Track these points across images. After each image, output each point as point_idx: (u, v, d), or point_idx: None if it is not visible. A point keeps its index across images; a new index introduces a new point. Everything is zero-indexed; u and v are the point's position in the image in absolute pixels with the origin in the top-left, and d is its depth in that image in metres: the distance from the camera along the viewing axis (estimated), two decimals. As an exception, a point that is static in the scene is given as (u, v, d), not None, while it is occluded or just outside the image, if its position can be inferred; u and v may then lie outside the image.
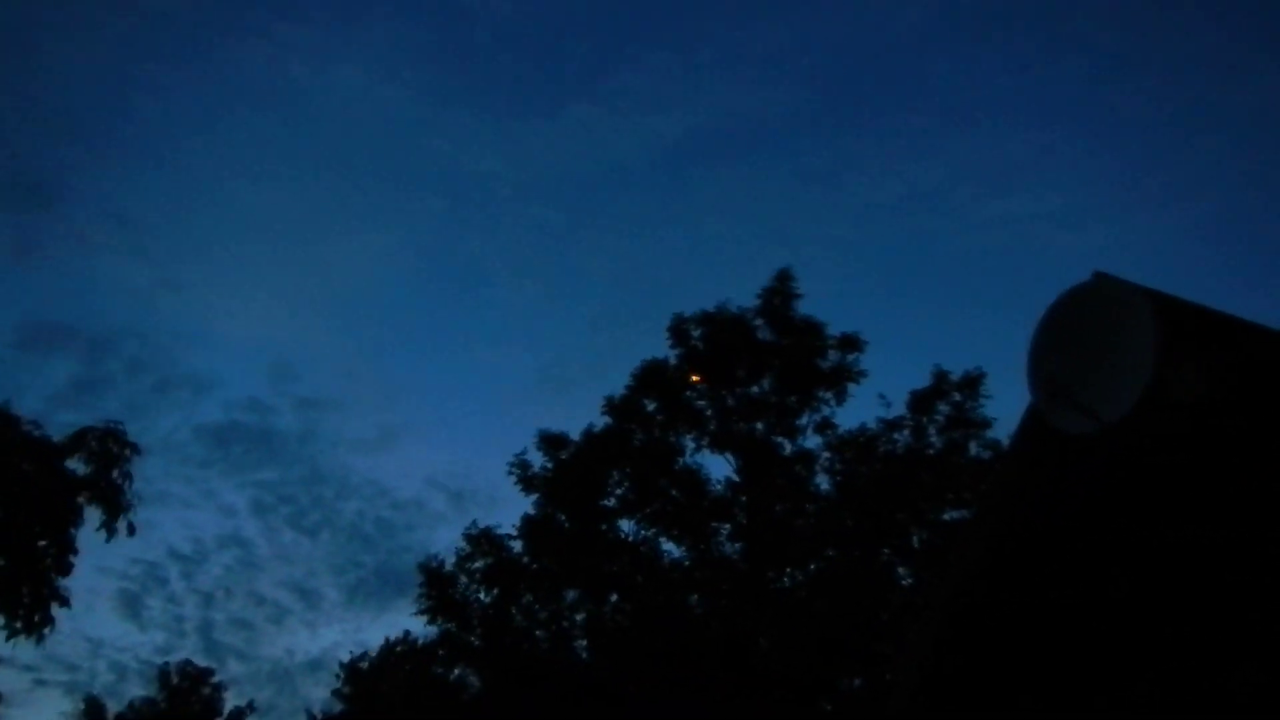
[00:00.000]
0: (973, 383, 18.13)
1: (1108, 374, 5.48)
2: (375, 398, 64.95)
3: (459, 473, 69.64)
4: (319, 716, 33.16)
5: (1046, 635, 6.19)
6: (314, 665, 51.82)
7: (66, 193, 57.81)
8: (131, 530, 10.35)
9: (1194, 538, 5.19)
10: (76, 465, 10.48)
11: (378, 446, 61.49)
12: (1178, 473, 5.30)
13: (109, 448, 10.57)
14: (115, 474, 10.44)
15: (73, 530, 10.18)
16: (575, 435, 19.43)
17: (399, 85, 58.94)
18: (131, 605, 49.33)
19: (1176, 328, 5.16)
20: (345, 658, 33.75)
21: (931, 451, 18.04)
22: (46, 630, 10.06)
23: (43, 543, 9.94)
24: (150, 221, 62.39)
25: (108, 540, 10.19)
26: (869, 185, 58.06)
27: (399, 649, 33.13)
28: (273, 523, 53.83)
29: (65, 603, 10.30)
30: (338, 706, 32.90)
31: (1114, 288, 5.61)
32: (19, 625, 9.89)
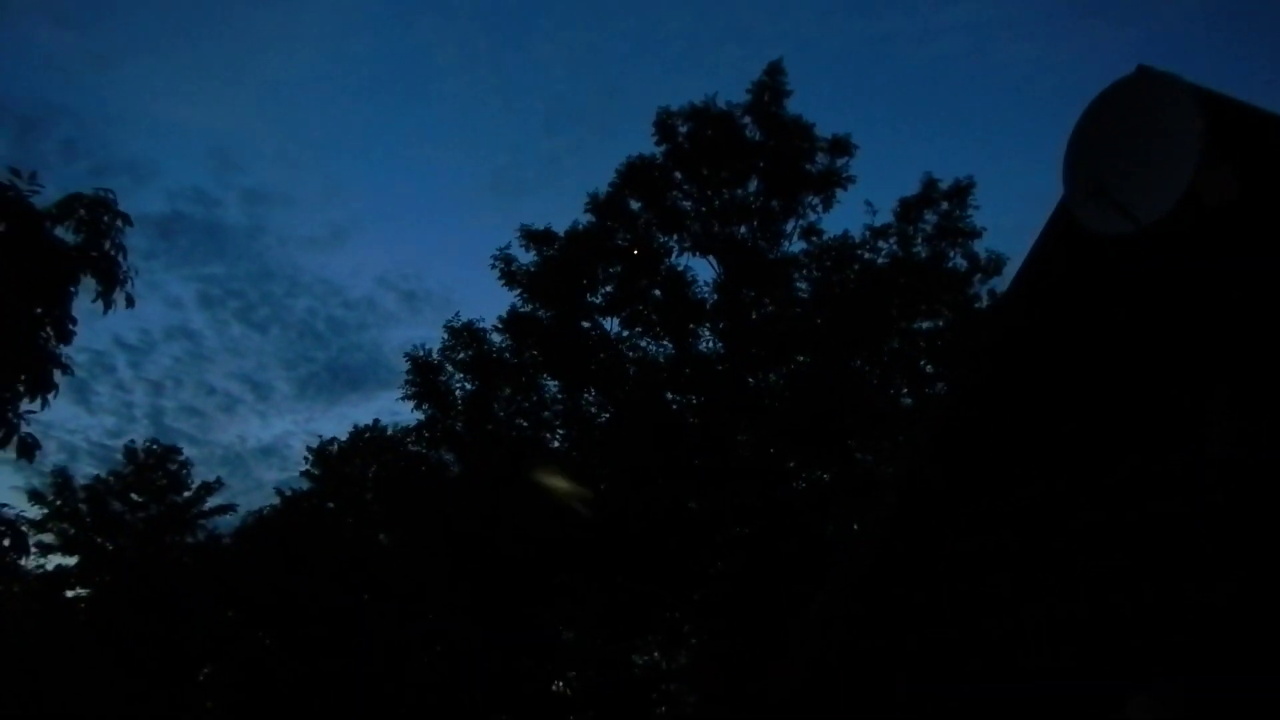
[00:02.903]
0: (962, 192, 18.20)
1: (1147, 173, 5.49)
2: (324, 194, 63.58)
3: (411, 274, 69.43)
4: (289, 494, 34.37)
5: (1051, 445, 6.40)
6: (266, 451, 53.39)
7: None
8: (130, 303, 10.28)
9: (1223, 342, 5.34)
10: (65, 235, 10.27)
11: (328, 244, 60.68)
12: (1211, 278, 5.40)
13: (99, 217, 10.31)
14: (107, 245, 10.24)
15: (70, 296, 10.09)
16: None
17: None
18: (80, 390, 49.53)
19: (1220, 125, 5.13)
20: (297, 445, 34.70)
21: (916, 260, 18.29)
22: (50, 396, 10.13)
23: (38, 310, 9.84)
24: (76, -16, 58.04)
25: (105, 312, 10.15)
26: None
27: (367, 435, 34.43)
28: (221, 316, 53.86)
29: (67, 369, 10.30)
30: (305, 486, 34.18)
31: (1158, 82, 5.52)
32: (21, 390, 9.91)
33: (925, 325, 19.01)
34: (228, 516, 35.33)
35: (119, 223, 10.56)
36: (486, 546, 17.76)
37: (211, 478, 36.53)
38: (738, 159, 19.02)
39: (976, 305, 18.72)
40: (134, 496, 34.64)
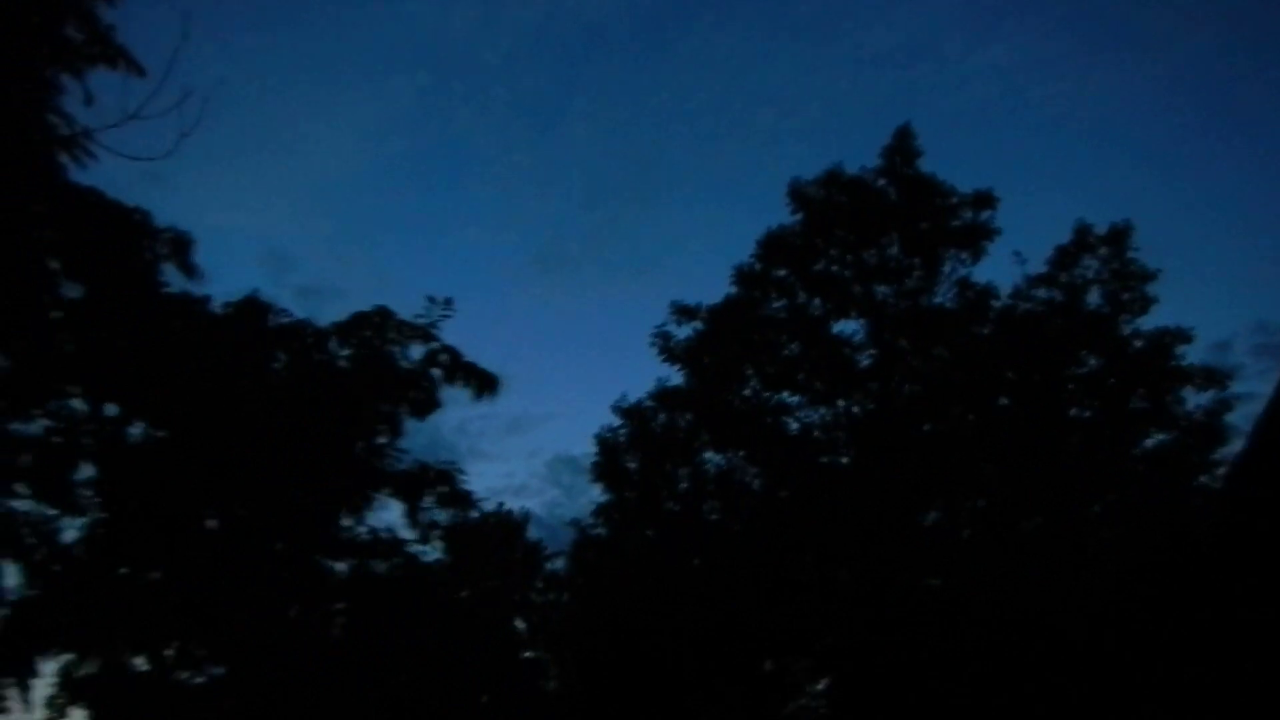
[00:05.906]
0: (1119, 236, 18.60)
1: None
2: (373, 283, 65.63)
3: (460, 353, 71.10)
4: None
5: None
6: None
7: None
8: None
9: None
10: (349, 352, 11.14)
11: (381, 330, 62.35)
12: None
13: (388, 333, 11.19)
14: (400, 364, 11.07)
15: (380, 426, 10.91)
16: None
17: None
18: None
19: None
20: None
21: (1077, 307, 18.69)
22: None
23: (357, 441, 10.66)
24: (128, 108, 61.18)
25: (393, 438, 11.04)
26: (860, 36, 56.70)
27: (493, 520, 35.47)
28: (279, 410, 55.27)
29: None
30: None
31: None
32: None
33: (1081, 371, 19.30)
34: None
35: (404, 335, 11.50)
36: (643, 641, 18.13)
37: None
38: (877, 221, 19.72)
39: (1131, 348, 18.99)
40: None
